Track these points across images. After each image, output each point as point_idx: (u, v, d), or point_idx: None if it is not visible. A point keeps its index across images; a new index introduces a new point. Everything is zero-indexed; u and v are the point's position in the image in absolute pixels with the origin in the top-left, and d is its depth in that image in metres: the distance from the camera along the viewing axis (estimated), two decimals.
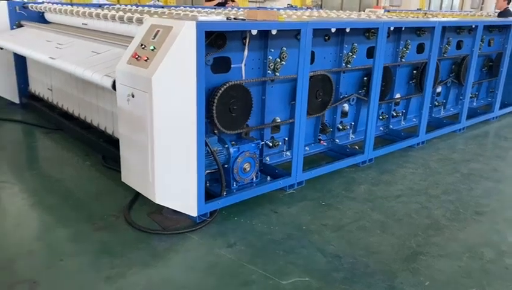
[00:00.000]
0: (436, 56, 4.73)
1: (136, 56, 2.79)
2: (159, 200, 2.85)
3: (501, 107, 6.21)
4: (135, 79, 2.76)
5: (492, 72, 6.37)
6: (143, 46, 2.80)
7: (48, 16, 5.62)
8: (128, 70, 2.82)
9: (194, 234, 2.94)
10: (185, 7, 7.13)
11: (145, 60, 2.71)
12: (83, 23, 4.71)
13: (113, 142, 3.99)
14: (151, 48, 2.73)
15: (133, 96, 2.77)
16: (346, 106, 4.64)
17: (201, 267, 2.62)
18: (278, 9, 8.28)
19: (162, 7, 7.16)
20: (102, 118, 4.23)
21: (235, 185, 3.41)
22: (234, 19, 3.17)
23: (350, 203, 3.49)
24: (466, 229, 3.15)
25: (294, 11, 7.69)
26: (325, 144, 4.50)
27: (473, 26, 5.40)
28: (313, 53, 4.06)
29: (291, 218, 3.22)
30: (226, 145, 3.30)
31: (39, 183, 3.71)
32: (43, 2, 5.95)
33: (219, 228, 3.04)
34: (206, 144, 3.05)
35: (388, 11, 10.53)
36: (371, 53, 4.48)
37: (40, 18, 5.71)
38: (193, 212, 3.01)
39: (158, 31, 2.78)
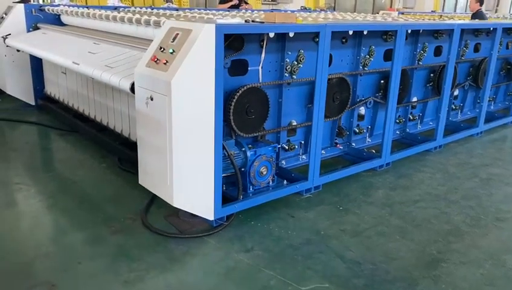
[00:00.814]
0: (454, 59, 4.66)
1: (155, 59, 2.78)
2: (176, 203, 2.84)
3: None
4: (154, 82, 2.75)
5: (510, 75, 6.27)
6: (162, 49, 2.79)
7: (64, 19, 5.66)
8: (147, 74, 2.81)
9: (211, 238, 2.92)
10: (199, 9, 7.14)
11: (165, 63, 2.70)
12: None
13: (129, 145, 3.99)
14: (170, 51, 2.72)
15: (151, 99, 2.76)
16: (362, 109, 4.59)
17: (219, 271, 2.60)
18: (292, 11, 8.25)
19: (177, 9, 7.19)
20: (118, 120, 4.23)
21: (251, 189, 3.38)
22: (252, 21, 3.15)
23: (368, 208, 3.44)
24: (487, 235, 3.09)
25: (309, 13, 7.66)
26: (342, 147, 4.46)
27: (491, 29, 5.32)
28: (330, 56, 4.03)
29: (308, 223, 3.19)
30: (243, 149, 3.28)
31: (55, 185, 3.72)
32: (59, 5, 6.00)
33: (236, 232, 3.01)
34: (223, 147, 3.03)
35: (402, 13, 10.46)
36: (388, 56, 4.43)
37: (56, 20, 5.76)
38: (210, 215, 2.99)
39: (177, 34, 2.77)
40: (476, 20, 7.61)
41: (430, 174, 4.17)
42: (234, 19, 3.04)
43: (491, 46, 5.23)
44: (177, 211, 3.12)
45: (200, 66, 2.67)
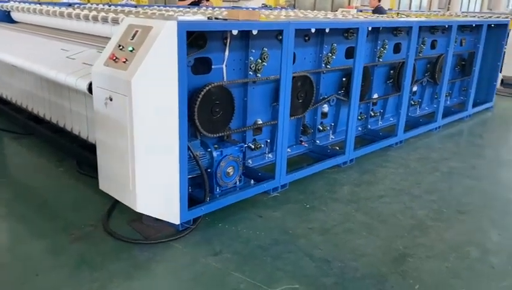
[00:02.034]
0: (413, 56, 4.77)
1: (114, 58, 2.66)
2: (140, 209, 2.73)
3: (473, 106, 6.33)
4: (113, 82, 2.63)
5: (464, 71, 6.50)
6: (121, 47, 2.67)
7: (15, 15, 5.37)
8: (106, 73, 2.69)
9: (177, 243, 2.84)
10: (158, 6, 6.96)
11: (124, 62, 2.59)
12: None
13: (88, 147, 3.82)
14: (130, 49, 2.61)
15: (111, 99, 2.64)
16: (326, 107, 4.61)
17: (186, 277, 2.52)
18: (253, 8, 8.21)
19: (135, 6, 6.97)
20: (76, 121, 4.04)
21: (218, 190, 3.31)
22: (215, 18, 3.08)
23: (334, 205, 3.45)
24: (450, 228, 3.17)
25: (270, 10, 7.64)
26: (306, 145, 4.47)
27: (447, 26, 5.48)
28: (293, 54, 4.01)
29: (276, 222, 3.16)
30: (209, 149, 3.21)
31: (11, 191, 3.51)
32: (9, 1, 5.69)
33: (203, 235, 2.94)
34: (189, 148, 2.95)
35: (361, 11, 10.64)
36: (349, 53, 4.47)
37: (6, 17, 5.46)
38: (176, 220, 2.90)
39: (137, 31, 2.66)
40: (377, 15, 7.83)
41: (393, 169, 4.24)
42: (196, 16, 2.96)
43: (446, 43, 5.39)
44: (140, 216, 3.00)
45: (161, 65, 2.58)
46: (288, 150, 4.25)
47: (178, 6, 7.81)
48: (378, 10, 9.23)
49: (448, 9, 21.33)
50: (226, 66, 3.44)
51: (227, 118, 3.41)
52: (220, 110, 3.31)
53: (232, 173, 3.35)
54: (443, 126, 5.68)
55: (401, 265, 2.69)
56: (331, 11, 13.45)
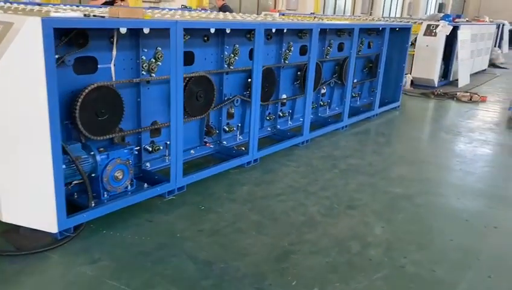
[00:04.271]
0: (315, 57, 4.89)
1: None
2: (5, 218, 2.54)
3: (380, 106, 6.63)
4: None
5: (372, 72, 6.80)
6: None
7: None
8: None
9: (53, 253, 2.67)
10: (65, 5, 6.62)
11: None
12: None
13: None
14: None
15: None
16: (232, 108, 4.61)
17: (56, 288, 2.38)
18: (170, 9, 8.08)
19: (39, 4, 6.59)
20: None
21: (106, 195, 3.17)
22: (94, 16, 2.95)
23: (230, 206, 3.43)
24: (338, 224, 3.25)
25: (188, 12, 7.54)
26: (212, 146, 4.43)
27: (351, 29, 5.69)
28: (192, 54, 3.97)
29: (166, 226, 3.08)
30: (92, 153, 3.06)
31: None
32: None
33: (84, 243, 2.79)
34: (66, 152, 2.79)
35: (283, 14, 10.85)
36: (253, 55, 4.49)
37: None
38: (53, 228, 2.73)
39: None
40: (222, 13, 8.18)
41: (294, 167, 4.31)
42: (72, 13, 2.81)
43: (350, 45, 5.59)
44: (18, 226, 2.80)
45: (24, 63, 2.41)
46: (192, 151, 4.21)
47: (90, 6, 7.50)
48: (224, 8, 9.98)
49: (370, 14, 22.37)
50: (114, 65, 3.31)
51: (115, 120, 3.28)
52: (106, 112, 3.18)
53: (121, 177, 3.22)
54: (350, 125, 5.88)
55: (284, 262, 2.71)
56: (257, 14, 13.59)
